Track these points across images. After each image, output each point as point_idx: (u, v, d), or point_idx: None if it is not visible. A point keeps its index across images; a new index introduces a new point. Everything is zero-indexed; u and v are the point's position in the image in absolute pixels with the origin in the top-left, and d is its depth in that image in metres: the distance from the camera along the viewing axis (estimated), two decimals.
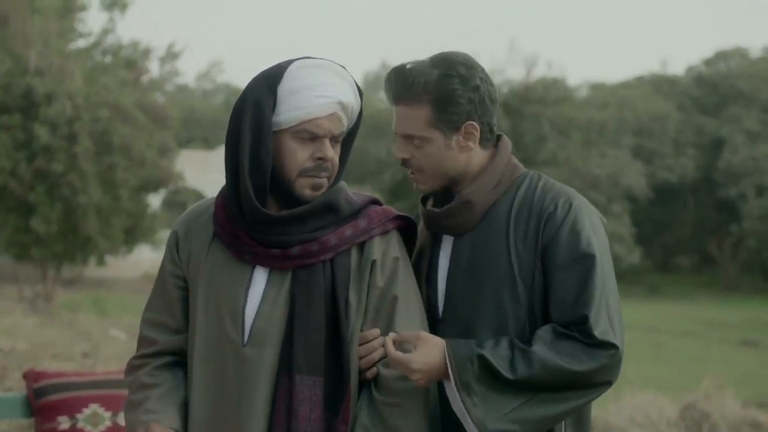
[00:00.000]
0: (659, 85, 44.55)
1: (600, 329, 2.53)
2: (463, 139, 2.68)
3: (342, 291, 2.56)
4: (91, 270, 26.32)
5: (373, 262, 2.60)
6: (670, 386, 11.35)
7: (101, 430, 4.11)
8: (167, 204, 34.00)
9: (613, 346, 2.54)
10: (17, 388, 8.18)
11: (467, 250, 2.70)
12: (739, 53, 45.63)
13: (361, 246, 2.62)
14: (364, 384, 2.61)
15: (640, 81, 45.59)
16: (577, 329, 2.55)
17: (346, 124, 2.62)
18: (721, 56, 45.84)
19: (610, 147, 39.04)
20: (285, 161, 2.55)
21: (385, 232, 2.64)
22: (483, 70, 2.71)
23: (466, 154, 2.71)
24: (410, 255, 2.74)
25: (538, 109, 38.25)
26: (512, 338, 2.58)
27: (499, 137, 2.80)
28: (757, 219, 38.00)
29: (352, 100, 2.61)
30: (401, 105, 2.70)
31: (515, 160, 2.80)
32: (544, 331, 2.57)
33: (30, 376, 4.19)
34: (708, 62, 46.28)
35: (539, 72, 49.22)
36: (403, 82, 2.68)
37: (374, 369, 2.57)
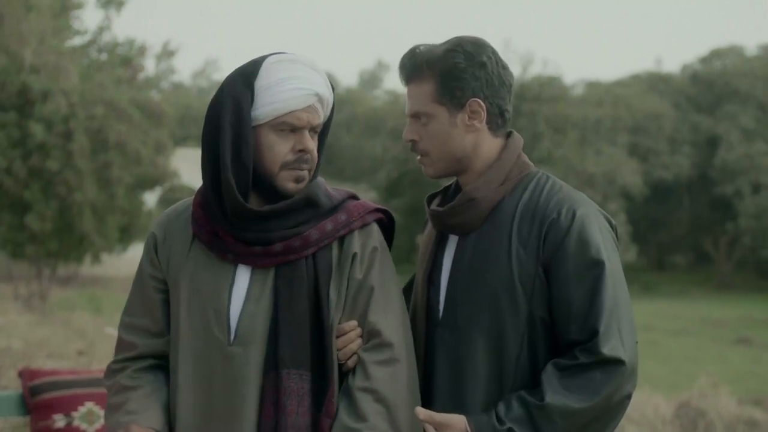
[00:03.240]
0: (655, 83, 44.60)
1: (609, 345, 2.45)
2: (469, 118, 2.63)
3: (324, 286, 2.56)
4: (87, 268, 26.33)
5: (354, 255, 2.59)
6: (665, 384, 11.36)
7: (96, 429, 4.11)
8: (163, 202, 33.93)
9: (620, 362, 2.45)
10: (12, 387, 8.18)
11: (470, 251, 2.64)
12: (735, 51, 45.69)
13: (341, 240, 2.61)
14: (344, 377, 2.60)
15: (635, 79, 45.64)
16: (583, 349, 2.48)
17: (322, 115, 2.61)
18: (716, 54, 45.89)
19: (606, 145, 39.09)
20: (266, 155, 2.55)
21: (364, 226, 2.64)
22: (494, 52, 2.66)
23: (473, 135, 2.64)
24: (390, 248, 2.73)
25: (534, 107, 38.30)
26: (521, 394, 2.51)
27: (510, 132, 2.74)
28: (753, 217, 38.04)
29: (327, 93, 2.61)
30: (410, 84, 2.68)
31: (525, 158, 2.71)
32: (549, 375, 2.48)
33: (25, 375, 4.19)
34: (703, 60, 46.35)
35: (535, 70, 49.26)
36: (412, 61, 2.67)
37: (355, 357, 2.56)
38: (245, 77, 2.55)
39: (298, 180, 2.56)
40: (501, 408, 2.48)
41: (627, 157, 39.18)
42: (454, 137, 2.64)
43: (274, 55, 2.61)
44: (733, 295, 35.38)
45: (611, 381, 2.45)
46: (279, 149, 2.54)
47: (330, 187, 2.68)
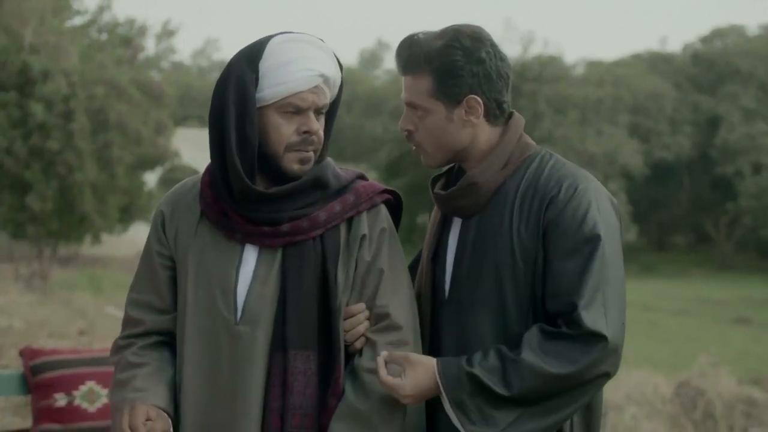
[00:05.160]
0: (656, 63, 44.50)
1: (590, 318, 2.42)
2: (466, 114, 2.62)
3: (332, 267, 2.56)
4: (87, 248, 26.32)
5: (363, 237, 2.59)
6: (665, 364, 11.39)
7: (98, 407, 4.12)
8: (163, 182, 33.92)
9: (603, 337, 2.42)
10: (14, 366, 8.20)
11: (473, 232, 2.64)
12: (736, 31, 45.58)
13: (350, 221, 2.61)
14: (351, 358, 2.61)
15: (636, 59, 45.54)
16: (565, 320, 2.45)
17: (328, 96, 2.61)
18: (717, 34, 45.78)
19: (607, 125, 39.05)
20: (271, 137, 2.54)
21: (372, 207, 2.64)
22: (493, 45, 2.62)
23: (470, 129, 2.64)
24: (397, 230, 2.73)
25: (535, 86, 38.22)
26: (500, 347, 2.49)
27: (511, 114, 2.72)
28: (753, 197, 38.04)
29: (334, 72, 2.60)
30: (407, 75, 2.66)
31: (527, 139, 2.69)
32: (531, 335, 2.47)
33: (26, 354, 4.20)
34: (704, 40, 46.23)
35: (536, 49, 49.17)
36: (408, 52, 2.64)
37: (363, 339, 2.57)
38: (250, 57, 2.54)
39: (303, 162, 2.56)
40: (478, 355, 2.48)
41: (628, 137, 39.16)
42: (450, 132, 2.64)
43: (281, 35, 2.59)
44: (734, 275, 35.41)
45: (590, 354, 2.42)
46: (284, 130, 2.54)
47: (338, 168, 2.68)
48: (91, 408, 4.11)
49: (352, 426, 2.51)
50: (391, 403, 2.53)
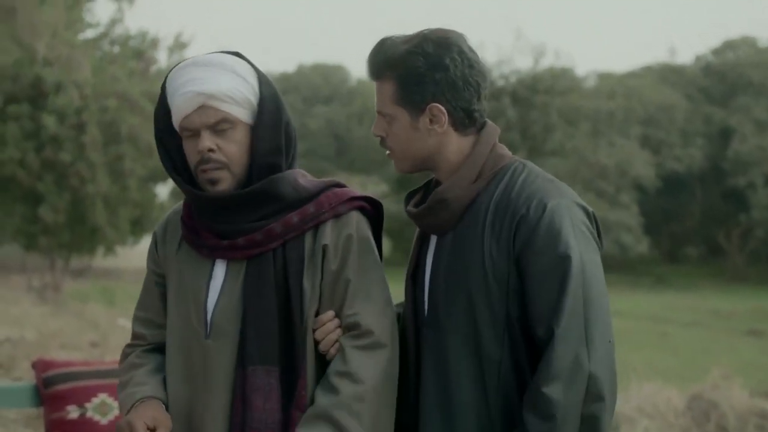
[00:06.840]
0: (667, 74, 44.47)
1: (567, 351, 2.35)
2: (430, 123, 2.55)
3: (294, 279, 2.56)
4: (99, 260, 26.39)
5: (324, 247, 2.58)
6: (677, 376, 11.35)
7: (110, 420, 4.13)
8: (175, 194, 33.96)
9: (584, 371, 2.35)
10: (26, 378, 8.21)
11: (447, 250, 2.57)
12: (748, 43, 45.52)
13: (315, 232, 2.61)
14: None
15: (647, 71, 45.51)
16: (544, 360, 2.36)
17: (231, 109, 2.57)
18: (729, 46, 45.74)
19: (618, 137, 39.02)
20: (187, 161, 2.63)
21: (338, 216, 2.62)
22: (461, 52, 2.53)
23: (436, 138, 2.56)
24: (378, 236, 2.72)
25: (546, 98, 38.21)
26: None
27: (484, 124, 2.61)
28: (766, 208, 37.95)
29: (224, 87, 2.56)
30: (375, 80, 2.62)
31: (501, 150, 2.60)
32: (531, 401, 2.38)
33: (39, 366, 4.21)
34: (716, 52, 46.18)
35: (547, 61, 49.16)
36: (374, 57, 2.60)
37: (337, 345, 2.56)
38: (162, 86, 2.64)
39: (211, 182, 2.58)
40: None
41: (639, 149, 39.12)
42: (416, 140, 2.58)
43: (181, 62, 2.65)
44: (746, 288, 35.26)
45: (572, 395, 2.35)
46: (189, 154, 2.61)
47: (305, 179, 2.66)
48: (104, 420, 4.12)
49: (313, 424, 2.49)
50: (357, 400, 2.50)
